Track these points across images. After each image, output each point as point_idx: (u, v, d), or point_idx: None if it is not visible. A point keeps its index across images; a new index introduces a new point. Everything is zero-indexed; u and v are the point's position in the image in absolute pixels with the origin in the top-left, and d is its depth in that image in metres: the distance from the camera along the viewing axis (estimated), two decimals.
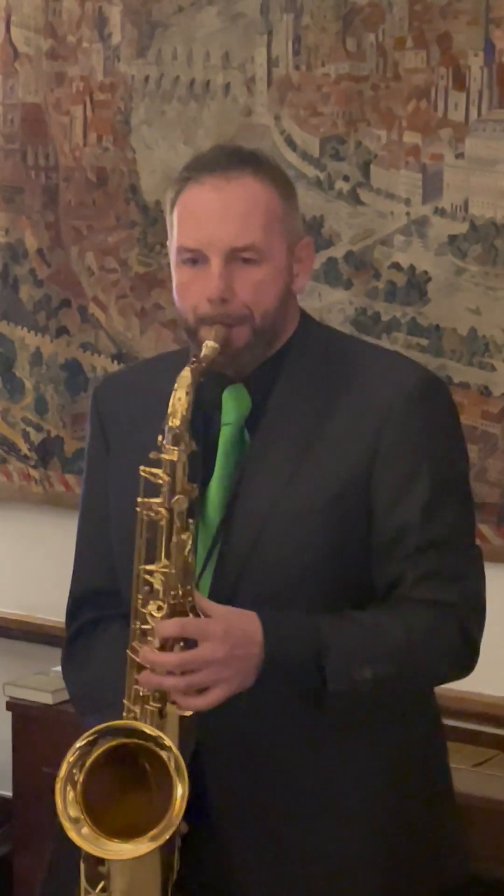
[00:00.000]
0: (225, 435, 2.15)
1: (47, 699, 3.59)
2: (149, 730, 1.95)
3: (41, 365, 3.87)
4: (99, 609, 2.21)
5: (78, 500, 2.33)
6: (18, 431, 3.93)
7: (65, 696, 3.47)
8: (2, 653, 4.00)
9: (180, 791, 1.91)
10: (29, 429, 3.91)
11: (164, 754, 1.93)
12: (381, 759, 2.14)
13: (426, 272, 3.29)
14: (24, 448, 3.92)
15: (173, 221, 2.12)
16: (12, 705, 3.65)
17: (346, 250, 3.38)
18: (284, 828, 2.11)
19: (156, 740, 1.94)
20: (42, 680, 3.65)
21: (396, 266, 3.33)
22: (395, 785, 2.15)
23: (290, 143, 3.42)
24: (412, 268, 3.31)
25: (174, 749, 1.93)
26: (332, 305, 3.35)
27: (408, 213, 3.30)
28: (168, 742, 1.93)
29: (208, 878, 2.14)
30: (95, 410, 2.29)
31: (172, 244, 2.13)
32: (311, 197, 3.35)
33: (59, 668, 3.56)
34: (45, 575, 3.55)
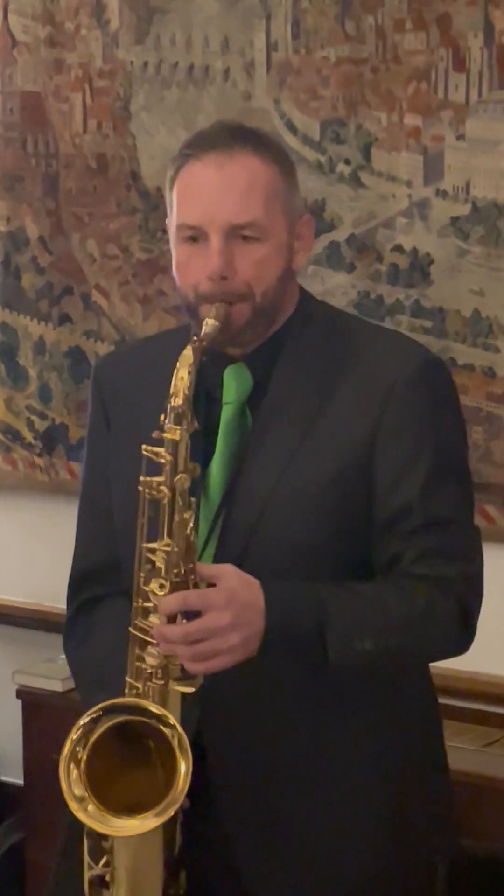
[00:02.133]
0: (226, 414, 2.15)
1: (56, 686, 3.60)
2: (154, 708, 1.97)
3: (44, 353, 3.87)
4: (100, 586, 2.21)
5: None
6: (23, 420, 3.93)
7: (74, 684, 3.49)
8: (10, 641, 4.01)
9: (184, 767, 1.92)
10: (33, 417, 3.91)
11: (167, 731, 1.94)
12: (379, 738, 2.16)
13: (429, 254, 3.29)
14: (29, 436, 3.92)
15: (173, 199, 2.12)
16: (22, 693, 3.66)
17: (349, 234, 3.38)
18: (284, 805, 2.13)
19: (160, 718, 1.95)
20: (51, 668, 3.66)
21: (399, 248, 3.32)
22: (394, 763, 2.17)
23: (291, 126, 3.41)
24: (415, 250, 3.31)
25: (178, 727, 1.94)
26: (335, 289, 3.35)
27: (409, 196, 3.30)
28: (173, 720, 1.95)
29: (209, 853, 2.15)
30: (96, 388, 2.29)
31: (172, 222, 2.13)
32: (312, 181, 3.35)
33: None
34: (52, 563, 3.55)
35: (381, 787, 2.16)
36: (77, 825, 2.02)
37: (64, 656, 3.59)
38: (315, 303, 2.23)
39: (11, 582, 4.00)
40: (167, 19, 3.57)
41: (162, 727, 1.95)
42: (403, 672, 2.18)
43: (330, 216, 3.37)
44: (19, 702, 3.66)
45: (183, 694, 2.01)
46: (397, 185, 3.31)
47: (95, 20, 3.67)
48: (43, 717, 3.59)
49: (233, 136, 2.10)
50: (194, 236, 2.08)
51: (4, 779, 3.97)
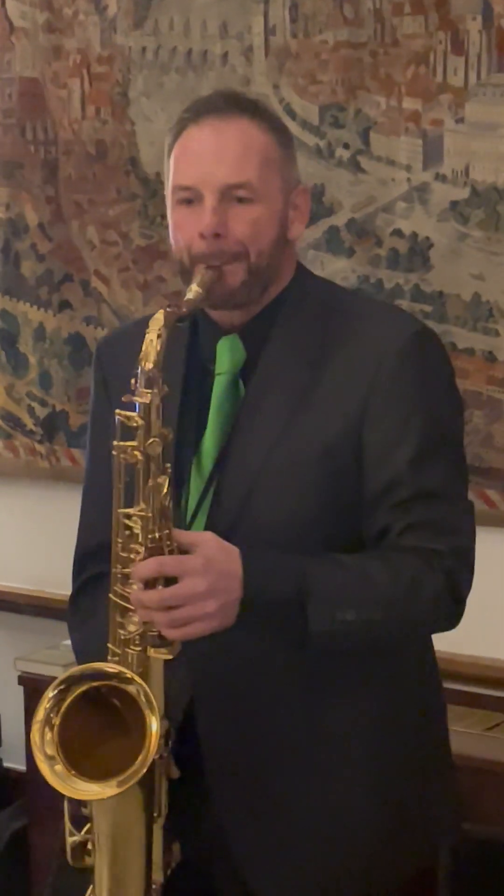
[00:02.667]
0: (219, 385, 2.16)
1: (58, 673, 3.55)
2: (110, 667, 1.97)
3: (45, 340, 3.87)
4: (103, 564, 2.21)
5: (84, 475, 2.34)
6: (24, 407, 3.93)
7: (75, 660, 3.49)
8: (12, 628, 4.01)
9: (154, 726, 1.93)
10: (34, 404, 3.91)
11: (132, 689, 1.95)
12: (374, 715, 2.16)
13: (428, 238, 3.29)
14: (30, 423, 3.92)
15: (170, 164, 2.14)
16: (24, 680, 3.66)
17: (348, 218, 3.37)
18: (277, 784, 2.13)
19: (118, 676, 1.96)
20: (53, 654, 3.66)
21: (398, 233, 3.32)
22: (389, 740, 2.17)
23: (290, 111, 3.40)
24: (414, 234, 3.30)
25: (138, 679, 1.95)
26: (334, 274, 3.34)
27: (409, 180, 3.29)
28: (130, 674, 1.96)
29: (201, 829, 2.16)
30: (98, 367, 2.30)
31: (168, 186, 2.14)
32: (311, 166, 3.34)
33: (69, 642, 3.58)
34: (53, 549, 3.55)
35: (378, 767, 2.16)
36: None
37: (66, 642, 3.61)
38: (311, 277, 2.24)
39: (13, 569, 4.00)
40: (165, 4, 3.56)
41: (123, 685, 1.95)
42: (400, 649, 2.18)
43: (329, 201, 3.37)
44: (21, 688, 3.66)
45: (170, 668, 2.01)
46: (396, 169, 3.30)
47: (93, 6, 3.67)
48: None
49: (230, 103, 2.12)
50: (189, 198, 2.10)
51: (8, 765, 3.98)
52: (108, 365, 2.28)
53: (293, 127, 3.36)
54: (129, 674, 1.96)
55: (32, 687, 3.63)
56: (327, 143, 3.37)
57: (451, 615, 2.11)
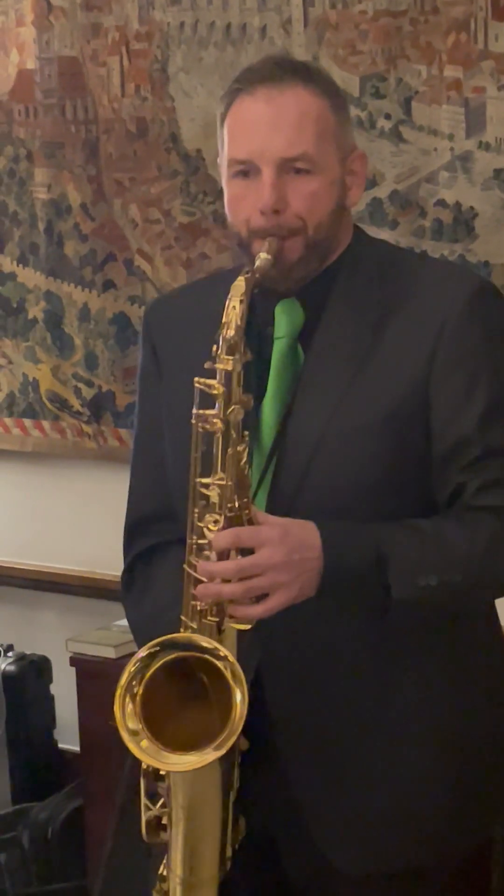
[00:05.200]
0: (278, 349, 2.13)
1: (110, 653, 3.60)
2: (205, 641, 1.95)
3: (89, 320, 3.87)
4: (155, 536, 2.20)
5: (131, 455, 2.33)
6: (70, 388, 3.93)
7: (127, 650, 3.49)
8: (63, 609, 4.02)
9: (239, 696, 1.90)
10: (80, 385, 3.91)
11: (220, 664, 1.92)
12: (444, 684, 2.14)
13: (472, 208, 3.25)
14: (77, 404, 3.92)
15: (224, 135, 2.11)
16: (76, 661, 3.67)
17: (391, 189, 3.34)
18: (345, 749, 2.12)
19: (212, 652, 1.93)
20: (104, 634, 3.66)
21: (442, 203, 3.29)
22: (458, 709, 2.15)
23: None
24: (458, 204, 3.27)
25: (231, 657, 1.92)
26: None
27: (451, 149, 3.26)
28: (224, 652, 1.93)
29: (270, 798, 2.15)
30: (147, 332, 2.28)
31: (223, 157, 2.11)
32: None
33: (120, 623, 3.59)
34: (103, 530, 3.55)
35: (446, 732, 2.14)
36: (134, 783, 2.02)
37: (117, 623, 3.62)
38: (368, 239, 2.21)
39: (63, 550, 4.01)
40: None
41: (214, 660, 1.93)
42: (467, 615, 2.16)
43: (372, 172, 3.33)
44: (73, 669, 3.67)
45: (239, 633, 2.00)
46: (439, 138, 3.27)
47: None
48: (97, 684, 3.59)
49: (282, 70, 2.09)
50: (245, 171, 2.07)
51: (63, 746, 3.99)
52: (156, 330, 2.26)
53: None
54: (223, 651, 1.92)
55: (84, 668, 3.64)
56: (368, 115, 3.34)
57: None
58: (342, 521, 2.01)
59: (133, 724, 1.92)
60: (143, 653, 1.94)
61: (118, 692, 1.93)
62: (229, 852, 2.10)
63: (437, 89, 3.26)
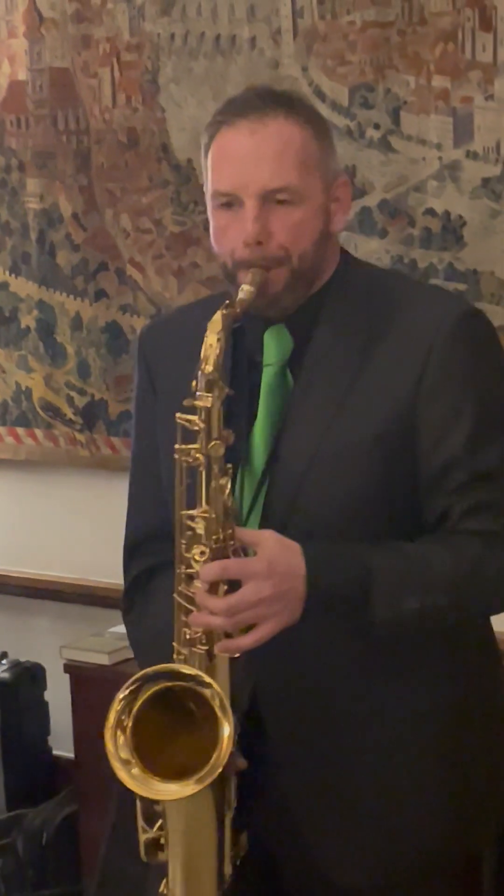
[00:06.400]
0: (267, 376, 2.16)
1: (104, 660, 3.61)
2: (187, 669, 1.99)
3: (82, 329, 3.88)
4: (153, 556, 2.22)
5: (125, 462, 2.34)
6: (63, 396, 3.95)
7: (121, 656, 3.52)
8: (57, 616, 4.03)
9: (227, 730, 1.94)
10: (73, 393, 3.93)
11: (206, 692, 1.96)
12: (438, 697, 2.16)
13: (461, 216, 3.28)
14: (69, 412, 3.94)
15: (207, 166, 2.13)
16: (70, 667, 3.68)
17: (380, 199, 3.37)
18: (342, 766, 2.14)
19: (195, 679, 1.97)
20: (98, 641, 3.68)
21: (431, 212, 3.31)
22: (453, 721, 2.17)
23: (319, 93, 3.39)
24: (447, 213, 3.29)
25: (215, 686, 1.96)
26: (368, 255, 3.33)
27: (440, 158, 3.28)
28: (208, 679, 1.96)
29: (270, 816, 2.17)
30: (141, 354, 2.30)
31: (208, 189, 2.13)
32: (342, 147, 3.31)
33: (114, 630, 3.60)
34: (96, 538, 3.56)
35: (441, 745, 2.16)
36: (128, 796, 2.04)
37: (111, 630, 3.64)
38: (355, 263, 2.23)
39: (57, 558, 4.02)
40: None
41: (199, 688, 1.96)
42: (461, 629, 2.18)
43: (361, 182, 3.36)
44: (67, 676, 3.69)
45: (231, 659, 2.03)
46: (427, 147, 3.29)
47: None
48: (91, 690, 3.60)
49: (264, 101, 2.10)
50: (230, 202, 2.09)
51: (57, 752, 4.00)
52: (150, 354, 2.28)
53: (323, 109, 3.35)
54: (206, 678, 1.97)
55: (78, 675, 3.66)
56: (357, 124, 3.36)
57: None
58: (327, 543, 2.04)
59: (125, 754, 1.97)
60: (124, 691, 1.99)
61: (107, 731, 1.97)
62: (229, 869, 2.11)
63: (426, 99, 3.28)
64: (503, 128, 3.19)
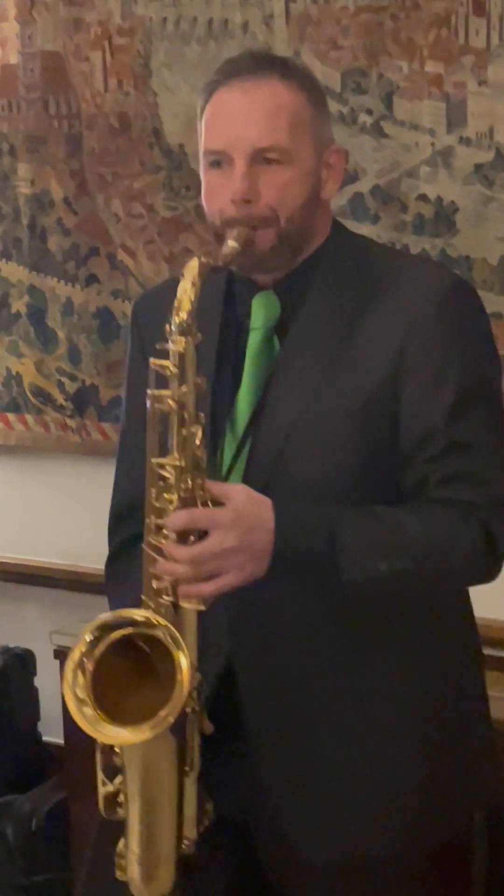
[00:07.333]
0: (253, 340, 2.16)
1: None
2: (138, 614, 1.97)
3: (73, 314, 3.87)
4: (138, 524, 2.21)
5: (115, 448, 2.34)
6: (53, 382, 3.94)
7: None
8: (47, 603, 4.03)
9: (184, 662, 1.92)
10: (63, 379, 3.92)
11: (158, 633, 1.94)
12: (413, 675, 2.16)
13: (453, 203, 3.27)
14: (60, 398, 3.93)
15: (201, 127, 2.14)
16: (59, 653, 3.68)
17: (373, 184, 3.36)
18: (317, 737, 2.13)
19: (146, 622, 1.94)
20: None
21: (423, 198, 3.31)
22: (429, 702, 2.17)
23: None
24: (439, 199, 3.29)
25: (165, 623, 1.94)
26: None
27: (433, 144, 3.27)
28: (156, 619, 1.94)
29: (239, 787, 2.16)
30: (134, 323, 2.32)
31: (200, 149, 2.14)
32: (334, 133, 3.30)
33: (104, 616, 3.57)
34: (86, 524, 3.56)
35: (416, 726, 2.16)
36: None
37: (101, 616, 3.61)
38: (347, 233, 2.23)
39: (47, 544, 4.02)
40: None
41: (151, 631, 1.94)
42: (438, 606, 2.18)
43: (353, 167, 3.35)
44: (57, 662, 3.68)
45: (209, 621, 2.01)
46: (420, 133, 3.29)
47: None
48: None
49: (259, 63, 2.11)
50: (220, 161, 2.09)
51: (47, 739, 4.00)
52: (143, 323, 2.29)
53: None
54: (154, 618, 1.95)
55: None
56: (350, 110, 3.36)
57: (488, 567, 2.11)
58: (299, 504, 2.03)
59: (82, 693, 1.94)
60: (87, 635, 1.95)
61: (68, 666, 1.94)
62: (192, 833, 2.10)
63: (419, 84, 3.27)
64: (496, 113, 3.19)
